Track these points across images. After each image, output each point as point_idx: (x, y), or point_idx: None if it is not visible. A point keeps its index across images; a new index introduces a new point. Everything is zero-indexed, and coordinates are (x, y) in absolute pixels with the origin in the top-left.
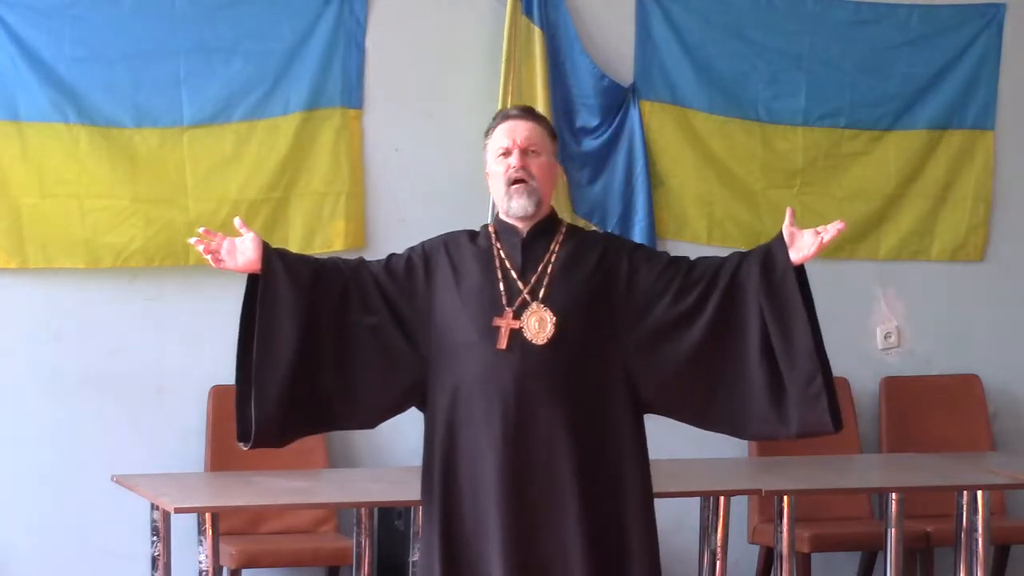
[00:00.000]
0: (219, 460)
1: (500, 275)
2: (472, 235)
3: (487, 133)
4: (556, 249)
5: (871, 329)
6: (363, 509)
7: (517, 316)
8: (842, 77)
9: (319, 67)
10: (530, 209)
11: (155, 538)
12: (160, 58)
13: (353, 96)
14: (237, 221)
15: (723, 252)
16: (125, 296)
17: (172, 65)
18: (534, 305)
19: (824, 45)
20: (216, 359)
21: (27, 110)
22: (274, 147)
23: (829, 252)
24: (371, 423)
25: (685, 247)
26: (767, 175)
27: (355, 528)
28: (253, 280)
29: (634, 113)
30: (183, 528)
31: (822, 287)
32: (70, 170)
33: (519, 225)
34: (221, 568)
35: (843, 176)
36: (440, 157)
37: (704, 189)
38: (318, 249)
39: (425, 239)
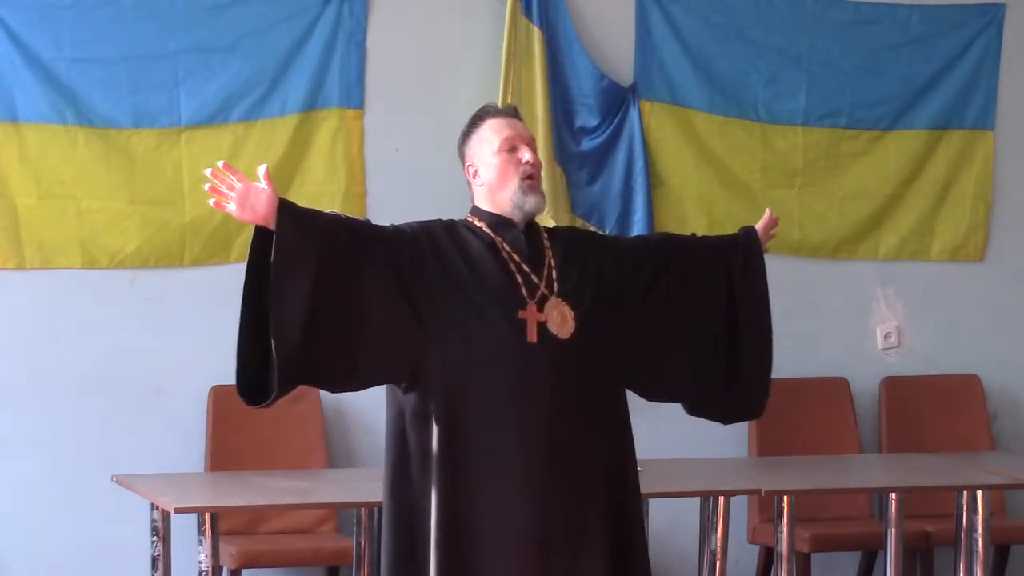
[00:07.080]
0: (219, 460)
1: (512, 267)
2: (450, 225)
3: (473, 125)
4: (548, 244)
5: (871, 329)
6: (363, 509)
7: (539, 309)
8: (842, 77)
9: (318, 67)
10: (543, 207)
11: (155, 538)
12: (158, 59)
13: (353, 96)
14: (262, 169)
15: None
16: (125, 297)
17: (170, 66)
18: (553, 299)
19: (824, 45)
20: (216, 359)
21: (25, 111)
22: (271, 148)
23: (829, 252)
24: (358, 385)
25: None
26: (767, 175)
27: (355, 528)
28: (258, 232)
29: (634, 113)
30: (183, 528)
31: (822, 287)
32: (67, 171)
33: (515, 218)
34: (221, 568)
35: (843, 176)
36: (440, 157)
37: (704, 189)
38: None
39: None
